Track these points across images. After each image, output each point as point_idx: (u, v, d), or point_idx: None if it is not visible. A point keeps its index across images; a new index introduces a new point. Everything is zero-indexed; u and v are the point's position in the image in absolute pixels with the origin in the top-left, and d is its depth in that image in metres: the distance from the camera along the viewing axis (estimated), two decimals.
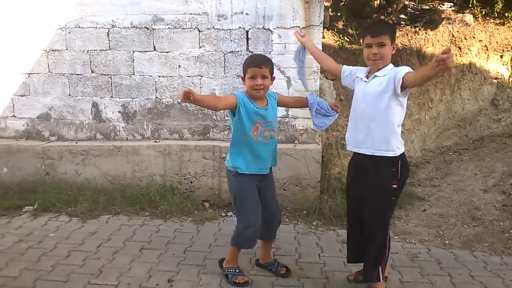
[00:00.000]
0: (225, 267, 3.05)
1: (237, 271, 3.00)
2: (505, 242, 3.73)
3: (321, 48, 4.42)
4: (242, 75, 2.90)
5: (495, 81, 6.25)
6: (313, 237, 3.83)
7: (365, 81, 2.70)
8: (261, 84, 2.78)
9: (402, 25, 6.34)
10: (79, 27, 4.65)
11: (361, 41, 2.81)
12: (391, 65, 2.66)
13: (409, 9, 6.66)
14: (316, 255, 3.47)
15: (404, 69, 2.52)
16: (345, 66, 2.92)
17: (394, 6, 6.72)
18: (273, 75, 2.91)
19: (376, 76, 2.64)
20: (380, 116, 2.61)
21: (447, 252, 3.57)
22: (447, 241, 3.77)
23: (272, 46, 4.45)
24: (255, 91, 2.80)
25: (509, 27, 6.25)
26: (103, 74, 4.70)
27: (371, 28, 2.71)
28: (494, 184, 4.64)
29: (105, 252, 3.44)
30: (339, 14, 6.42)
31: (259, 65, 2.78)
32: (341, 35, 5.96)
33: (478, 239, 3.79)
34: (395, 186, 2.66)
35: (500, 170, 4.87)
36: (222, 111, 4.50)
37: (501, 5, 6.20)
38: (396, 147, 2.64)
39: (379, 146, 2.63)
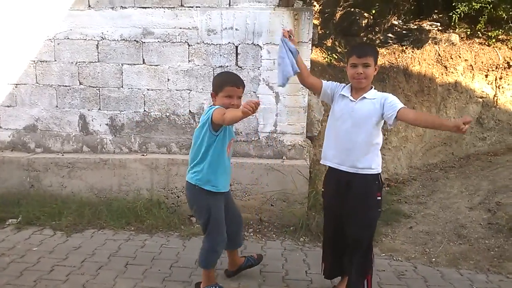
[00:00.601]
0: (207, 286, 2.97)
1: (214, 286, 2.98)
2: (490, 260, 3.76)
3: (309, 65, 4.46)
4: (213, 91, 2.88)
5: (481, 100, 6.35)
6: (300, 253, 3.81)
7: (353, 101, 2.76)
8: (236, 104, 2.79)
9: (389, 44, 6.43)
10: (68, 38, 4.63)
11: (346, 60, 2.89)
12: (373, 89, 2.80)
13: (396, 28, 6.78)
14: (303, 272, 3.45)
15: (396, 103, 2.64)
16: (325, 82, 2.96)
17: (382, 25, 6.83)
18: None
19: (365, 98, 2.73)
20: (368, 136, 2.71)
21: (434, 270, 3.59)
22: (434, 259, 3.79)
23: (261, 61, 4.47)
24: None
25: (493, 47, 6.37)
26: (91, 86, 4.68)
27: (357, 49, 2.85)
28: (480, 202, 4.69)
29: (89, 267, 3.39)
30: (327, 32, 6.49)
31: (237, 85, 2.82)
32: (329, 53, 6.02)
33: (464, 257, 3.82)
34: (379, 198, 2.78)
35: (486, 188, 4.93)
36: None
37: (483, 25, 6.32)
38: (378, 165, 2.79)
39: (365, 165, 2.73)
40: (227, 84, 2.81)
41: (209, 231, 2.91)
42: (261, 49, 4.46)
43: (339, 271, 3.02)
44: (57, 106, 4.75)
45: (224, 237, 2.93)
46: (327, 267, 3.04)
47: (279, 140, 4.55)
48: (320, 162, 2.99)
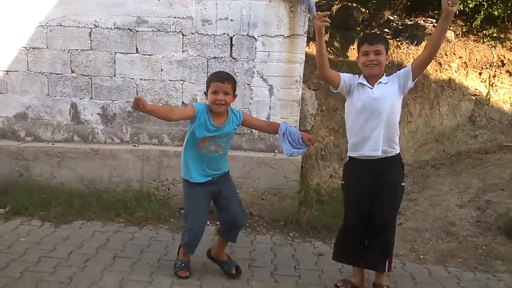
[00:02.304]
0: (177, 258, 3.22)
1: (182, 264, 3.17)
2: (478, 259, 3.79)
3: (304, 58, 4.43)
4: (205, 90, 3.00)
5: (473, 97, 6.36)
6: (290, 248, 3.82)
7: (371, 87, 2.84)
8: (222, 100, 2.87)
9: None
10: (61, 25, 4.56)
11: (357, 50, 2.98)
12: (385, 75, 2.89)
13: (392, 23, 6.75)
14: (291, 267, 3.45)
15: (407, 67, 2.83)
16: (342, 74, 2.96)
17: (378, 20, 6.80)
18: (235, 93, 3.03)
19: (381, 82, 2.83)
20: (391, 116, 2.83)
21: (422, 267, 3.61)
22: (422, 256, 3.81)
23: (255, 53, 4.44)
24: (216, 106, 2.89)
25: (488, 45, 6.37)
26: (84, 75, 4.62)
27: (368, 37, 3.03)
28: (470, 200, 4.71)
29: (77, 259, 3.36)
30: None
31: (222, 81, 2.89)
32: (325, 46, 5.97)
33: (452, 255, 3.84)
34: (403, 184, 2.96)
35: (476, 186, 4.95)
36: None
37: (479, 22, 6.31)
38: (398, 142, 2.92)
39: (391, 144, 2.85)
40: (212, 80, 2.92)
41: (183, 217, 3.17)
42: (256, 40, 4.43)
43: (358, 259, 3.06)
44: (48, 94, 4.69)
45: (195, 228, 3.04)
46: (348, 253, 3.08)
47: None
48: (349, 154, 3.00)
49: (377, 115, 2.79)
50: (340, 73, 2.97)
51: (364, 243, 3.05)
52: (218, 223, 3.56)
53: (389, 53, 2.89)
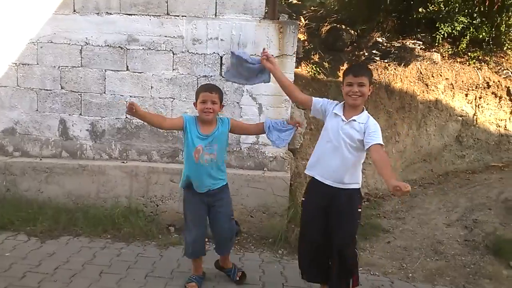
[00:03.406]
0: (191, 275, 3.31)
1: (194, 277, 3.26)
2: (466, 277, 3.80)
3: (293, 77, 4.48)
4: (195, 101, 3.14)
5: (460, 118, 6.47)
6: (278, 266, 3.79)
7: (344, 121, 2.87)
8: (210, 108, 3.03)
9: (373, 60, 6.53)
10: (51, 42, 4.59)
11: (342, 78, 3.00)
12: (365, 112, 2.91)
13: (380, 45, 6.88)
14: (280, 284, 3.43)
15: (375, 136, 2.77)
16: (316, 98, 3.06)
17: (366, 41, 6.93)
18: (223, 103, 3.19)
19: (354, 120, 2.85)
20: (354, 156, 2.86)
21: (410, 286, 3.60)
22: (410, 274, 3.81)
23: None
24: (204, 114, 3.05)
25: (473, 67, 6.51)
26: (73, 91, 4.62)
27: (353, 68, 3.00)
28: (457, 219, 4.75)
29: (63, 274, 3.30)
30: (312, 46, 6.56)
31: (210, 91, 3.06)
32: (315, 66, 6.07)
33: (440, 273, 3.85)
34: (360, 210, 2.96)
35: (463, 205, 5.00)
36: None
37: (465, 45, 6.46)
38: (360, 181, 2.97)
39: (351, 181, 2.90)
40: (201, 91, 3.10)
41: (184, 225, 3.28)
42: None
43: (324, 277, 3.05)
44: (37, 110, 4.68)
45: (192, 231, 3.16)
46: (311, 271, 3.10)
47: (261, 151, 4.55)
48: (305, 171, 3.09)
49: (342, 150, 2.84)
50: (314, 98, 3.04)
51: (328, 261, 3.02)
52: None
53: (371, 85, 2.94)
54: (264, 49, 3.17)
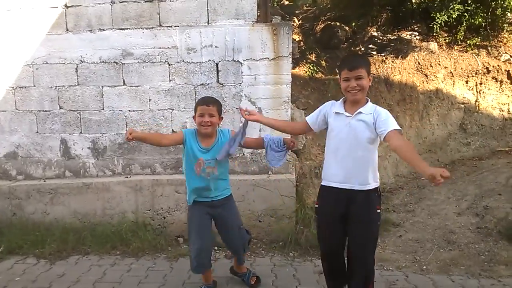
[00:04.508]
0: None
1: (203, 287, 3.29)
2: (481, 265, 3.75)
3: (290, 78, 4.46)
4: (194, 115, 3.13)
5: (462, 106, 6.42)
6: (290, 268, 3.76)
7: (349, 116, 2.68)
8: (208, 121, 3.00)
9: (370, 55, 6.50)
10: (47, 63, 4.60)
11: (338, 74, 2.81)
12: (370, 103, 2.72)
13: (376, 39, 6.85)
14: (293, 287, 3.39)
15: (389, 123, 2.55)
16: (308, 117, 2.91)
17: (362, 37, 6.90)
18: (222, 115, 3.15)
19: (361, 112, 2.65)
20: (368, 151, 2.66)
21: (425, 278, 3.56)
22: (424, 267, 3.76)
23: (242, 77, 4.46)
24: (203, 128, 3.02)
25: (472, 54, 6.46)
26: (72, 110, 4.62)
27: (347, 62, 2.75)
28: (467, 207, 4.69)
29: None
30: (307, 46, 6.54)
31: (207, 104, 3.04)
32: (312, 66, 6.05)
33: (454, 263, 3.80)
34: (379, 211, 2.73)
35: (472, 193, 4.94)
36: None
37: (463, 33, 6.42)
38: (378, 179, 2.75)
39: (368, 180, 2.68)
40: (198, 104, 3.08)
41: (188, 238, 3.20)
42: (241, 65, 4.46)
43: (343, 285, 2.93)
44: (37, 132, 4.68)
45: (195, 244, 3.08)
46: (335, 284, 2.98)
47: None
48: (321, 183, 2.86)
49: (353, 146, 2.65)
50: (307, 118, 2.90)
51: (344, 273, 2.90)
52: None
53: (371, 75, 2.72)
54: (240, 108, 3.05)
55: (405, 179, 5.93)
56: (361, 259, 2.75)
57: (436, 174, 2.14)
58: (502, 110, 6.53)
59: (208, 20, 4.42)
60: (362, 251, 2.75)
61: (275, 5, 7.90)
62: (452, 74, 6.35)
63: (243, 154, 4.51)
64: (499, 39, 6.74)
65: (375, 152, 2.71)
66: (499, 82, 6.46)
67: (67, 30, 4.54)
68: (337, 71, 2.87)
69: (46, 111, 4.65)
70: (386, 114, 2.61)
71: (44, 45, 4.56)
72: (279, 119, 3.09)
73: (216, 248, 4.03)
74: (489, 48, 6.58)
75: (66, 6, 4.51)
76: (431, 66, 6.27)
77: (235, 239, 3.22)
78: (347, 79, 2.65)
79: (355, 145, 2.64)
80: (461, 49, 6.58)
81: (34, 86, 4.64)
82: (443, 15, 6.22)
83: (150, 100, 4.55)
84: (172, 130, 4.54)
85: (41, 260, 3.98)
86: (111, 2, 4.46)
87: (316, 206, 2.94)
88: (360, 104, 2.68)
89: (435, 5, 6.39)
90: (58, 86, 4.61)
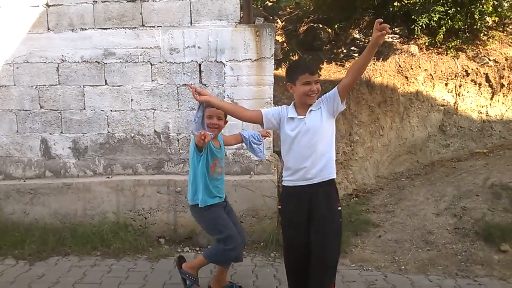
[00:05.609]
0: (186, 271, 3.18)
1: (195, 279, 3.17)
2: (458, 265, 3.83)
3: (273, 79, 4.49)
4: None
5: (442, 108, 6.53)
6: (271, 269, 3.79)
7: (303, 118, 2.72)
8: (216, 124, 3.07)
9: (352, 57, 6.57)
10: (27, 62, 4.55)
11: (290, 79, 2.78)
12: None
13: (358, 41, 6.92)
14: None
15: (334, 89, 2.73)
16: (265, 111, 2.89)
17: (344, 39, 6.97)
18: (226, 119, 3.19)
19: (312, 110, 2.72)
20: (326, 141, 2.73)
21: (403, 278, 3.62)
22: (403, 267, 3.83)
23: (225, 78, 4.48)
24: (211, 130, 3.04)
25: (451, 56, 6.57)
26: (53, 110, 4.59)
27: (307, 67, 2.82)
28: (446, 208, 4.77)
29: None
30: (290, 47, 6.58)
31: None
32: None
33: (432, 263, 3.87)
34: (340, 208, 2.76)
35: (451, 194, 5.02)
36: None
37: (442, 36, 6.52)
38: (334, 169, 2.79)
39: (328, 170, 2.72)
40: (207, 106, 3.00)
41: (223, 239, 3.08)
42: (224, 66, 4.48)
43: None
44: (17, 131, 4.63)
45: (235, 235, 3.09)
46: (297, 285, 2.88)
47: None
48: (283, 184, 2.86)
49: (313, 142, 2.69)
50: (263, 111, 2.87)
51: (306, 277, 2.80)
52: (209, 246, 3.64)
53: None
54: (190, 86, 2.95)
55: (386, 180, 6.01)
56: (328, 259, 2.73)
57: (378, 29, 2.45)
58: (481, 113, 6.66)
59: (191, 20, 4.43)
60: (328, 250, 2.72)
61: (259, 6, 7.93)
62: (432, 77, 6.45)
63: (225, 154, 4.52)
64: (478, 43, 6.87)
65: (333, 140, 2.78)
66: (477, 85, 6.58)
67: (48, 29, 4.50)
68: (290, 77, 2.79)
69: (26, 110, 4.61)
70: (330, 92, 2.74)
71: (25, 44, 4.52)
72: (230, 102, 3.20)
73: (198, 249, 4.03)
74: (468, 51, 6.70)
75: (48, 5, 4.47)
76: (412, 68, 6.36)
77: (241, 231, 3.29)
78: (309, 83, 2.69)
79: (316, 139, 2.68)
80: (441, 51, 6.68)
81: (15, 85, 4.59)
82: (424, 17, 6.32)
83: (132, 100, 4.54)
84: (155, 130, 4.53)
85: (20, 261, 3.94)
86: (93, 1, 4.44)
87: (279, 207, 2.98)
88: (309, 105, 2.76)
89: (417, 7, 6.49)
90: (39, 85, 4.57)
